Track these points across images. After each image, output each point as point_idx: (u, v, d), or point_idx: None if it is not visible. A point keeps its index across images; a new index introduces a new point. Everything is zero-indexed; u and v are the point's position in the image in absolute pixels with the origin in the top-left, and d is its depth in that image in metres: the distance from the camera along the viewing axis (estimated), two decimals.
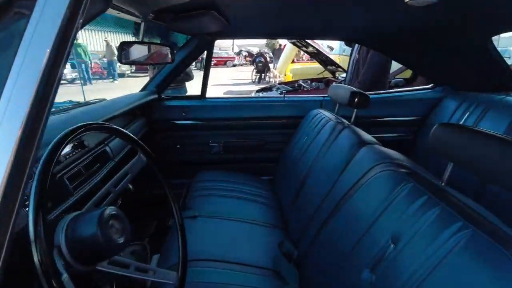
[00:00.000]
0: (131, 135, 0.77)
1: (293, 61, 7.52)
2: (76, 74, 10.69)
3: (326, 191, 1.06)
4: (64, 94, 5.89)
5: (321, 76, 4.83)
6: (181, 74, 1.84)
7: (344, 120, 1.30)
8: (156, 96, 1.65)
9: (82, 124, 0.60)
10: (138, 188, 1.01)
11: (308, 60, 7.86)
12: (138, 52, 0.93)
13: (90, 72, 10.71)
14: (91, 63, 11.19)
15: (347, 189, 0.94)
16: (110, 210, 0.62)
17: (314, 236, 1.01)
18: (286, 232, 1.28)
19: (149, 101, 1.59)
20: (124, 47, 0.90)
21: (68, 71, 10.52)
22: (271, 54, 11.85)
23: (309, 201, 1.17)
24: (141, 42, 0.95)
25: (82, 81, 10.43)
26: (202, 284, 0.92)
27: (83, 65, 10.43)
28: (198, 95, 1.79)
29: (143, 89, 1.69)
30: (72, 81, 10.51)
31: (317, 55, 4.45)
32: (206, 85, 1.77)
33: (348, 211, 0.90)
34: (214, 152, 1.83)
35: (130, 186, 1.09)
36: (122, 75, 12.04)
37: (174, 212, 0.83)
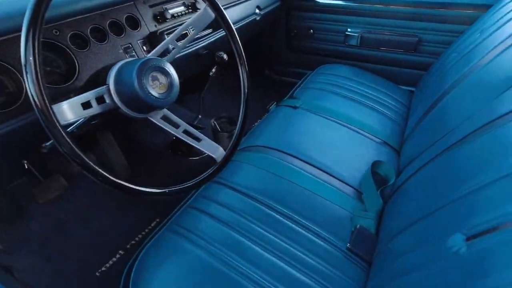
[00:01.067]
0: None
1: None
2: None
3: (470, 111, 0.70)
4: None
5: None
6: None
7: None
8: None
9: None
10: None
11: None
12: None
13: None
14: None
15: (502, 113, 0.58)
16: (156, 61, 0.58)
17: (421, 168, 0.73)
18: (398, 156, 1.01)
19: None
20: None
21: None
22: None
23: (440, 121, 0.83)
24: None
25: None
26: (253, 170, 0.86)
27: None
28: None
29: None
30: None
31: None
32: None
33: (482, 145, 0.57)
34: (350, 45, 1.52)
35: (225, 57, 1.05)
36: None
37: (241, 80, 0.72)
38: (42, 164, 1.07)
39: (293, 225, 0.75)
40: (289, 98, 1.21)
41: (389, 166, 0.90)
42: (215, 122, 1.03)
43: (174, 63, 0.97)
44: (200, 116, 1.26)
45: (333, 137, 1.03)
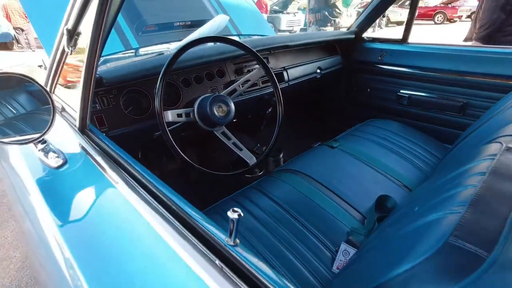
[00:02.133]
0: (250, 47, 1.04)
1: None
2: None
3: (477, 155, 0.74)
4: None
5: None
6: (382, 16, 1.74)
7: None
8: (353, 36, 1.73)
9: (198, 38, 0.94)
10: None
11: None
12: None
13: None
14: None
15: None
16: (222, 97, 0.96)
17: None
18: None
19: (346, 40, 1.71)
20: None
21: None
22: None
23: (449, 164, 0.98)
24: None
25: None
26: (286, 186, 1.12)
27: None
28: (400, 39, 1.66)
29: (348, 28, 1.81)
30: None
31: None
32: (409, 29, 1.60)
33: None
34: (401, 103, 1.71)
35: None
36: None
37: (277, 118, 1.05)
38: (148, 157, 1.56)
39: (302, 228, 0.99)
40: (332, 140, 1.48)
41: (395, 200, 1.07)
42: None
43: (247, 103, 1.37)
44: (258, 145, 1.61)
45: (357, 173, 1.24)
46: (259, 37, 1.74)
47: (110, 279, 0.48)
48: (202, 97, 0.99)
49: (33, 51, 8.83)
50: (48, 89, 0.87)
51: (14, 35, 9.18)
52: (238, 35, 1.79)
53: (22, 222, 0.73)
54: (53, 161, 0.63)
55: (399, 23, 11.75)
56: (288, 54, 1.55)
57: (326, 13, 4.27)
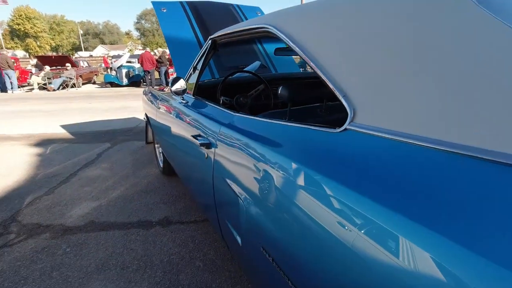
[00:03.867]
0: (260, 76, 2.32)
1: None
2: None
3: None
4: None
5: None
6: None
7: None
8: None
9: (236, 70, 2.27)
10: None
11: None
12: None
13: None
14: None
15: None
16: (245, 95, 2.25)
17: None
18: None
19: None
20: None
21: None
22: None
23: None
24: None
25: None
26: None
27: None
28: None
29: None
30: None
31: None
32: None
33: None
34: None
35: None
36: None
37: (270, 100, 2.29)
38: None
39: None
40: None
41: None
42: None
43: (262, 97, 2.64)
44: None
45: None
46: (286, 73, 3.02)
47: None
48: (238, 95, 2.28)
49: (153, 87, 11.85)
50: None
51: (143, 76, 12.52)
52: (275, 72, 3.11)
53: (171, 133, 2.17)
54: (184, 101, 2.01)
55: None
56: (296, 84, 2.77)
57: None
